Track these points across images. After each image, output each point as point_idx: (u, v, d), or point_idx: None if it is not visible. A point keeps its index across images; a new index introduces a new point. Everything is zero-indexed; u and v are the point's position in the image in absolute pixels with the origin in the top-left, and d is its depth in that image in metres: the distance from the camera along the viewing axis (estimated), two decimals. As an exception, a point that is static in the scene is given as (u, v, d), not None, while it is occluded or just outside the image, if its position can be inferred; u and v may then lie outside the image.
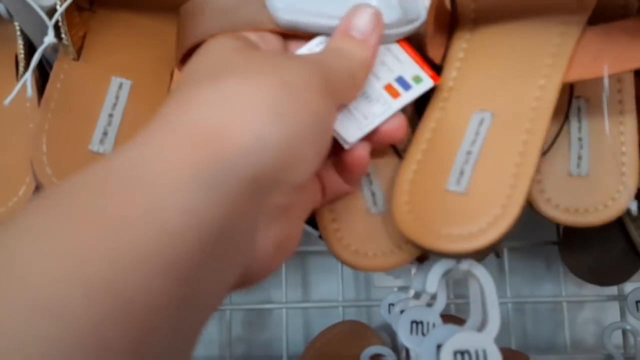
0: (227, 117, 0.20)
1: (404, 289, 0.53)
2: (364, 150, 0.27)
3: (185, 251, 0.17)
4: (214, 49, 0.24)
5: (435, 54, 0.30)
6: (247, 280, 0.22)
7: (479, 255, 0.28)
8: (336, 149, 0.27)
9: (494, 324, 0.30)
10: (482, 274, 0.31)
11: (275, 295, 0.58)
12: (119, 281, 0.15)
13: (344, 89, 0.25)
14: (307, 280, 0.60)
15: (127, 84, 0.31)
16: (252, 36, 0.26)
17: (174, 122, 0.20)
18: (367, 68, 0.26)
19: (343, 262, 0.30)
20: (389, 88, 0.27)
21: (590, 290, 0.54)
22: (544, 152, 0.30)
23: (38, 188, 0.29)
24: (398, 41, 0.28)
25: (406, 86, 0.28)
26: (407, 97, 0.27)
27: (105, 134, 0.29)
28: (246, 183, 0.19)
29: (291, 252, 0.25)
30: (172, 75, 0.32)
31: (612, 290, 0.54)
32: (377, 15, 0.26)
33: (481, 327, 0.33)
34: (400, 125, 0.27)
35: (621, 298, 0.54)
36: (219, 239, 0.18)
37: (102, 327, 0.14)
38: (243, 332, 0.61)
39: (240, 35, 0.25)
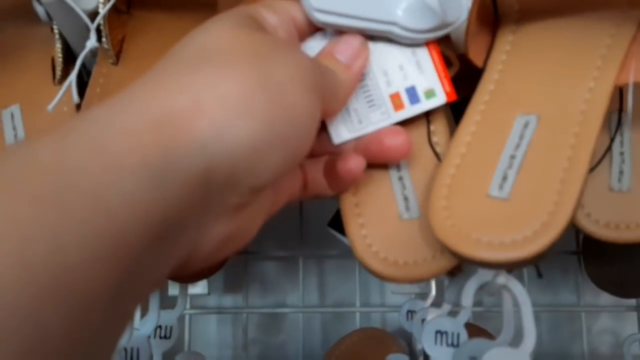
0: (192, 106, 0.19)
1: (421, 295, 0.52)
2: (359, 165, 0.26)
3: (128, 239, 0.16)
4: (212, 28, 0.22)
5: (476, 56, 0.29)
6: (185, 268, 0.21)
7: (517, 267, 0.27)
8: (332, 150, 0.26)
9: (530, 341, 0.29)
10: (518, 291, 0.30)
11: (291, 299, 0.57)
12: (59, 262, 0.14)
13: (328, 99, 0.24)
14: (324, 284, 0.60)
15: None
16: (271, 18, 0.24)
17: (136, 102, 0.19)
18: (348, 90, 0.25)
19: (371, 272, 0.29)
20: (394, 97, 0.26)
21: (608, 299, 0.53)
22: (592, 168, 0.28)
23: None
24: (428, 43, 0.27)
25: (414, 98, 0.27)
26: (410, 111, 0.26)
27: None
28: (197, 178, 0.18)
29: (240, 247, 0.24)
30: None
31: (630, 300, 0.53)
32: (363, 46, 0.25)
33: (513, 341, 0.32)
34: (406, 143, 0.27)
35: (639, 309, 0.53)
36: (163, 230, 0.18)
37: (39, 308, 0.14)
38: (258, 335, 0.60)
39: (256, 13, 0.24)
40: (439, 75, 0.27)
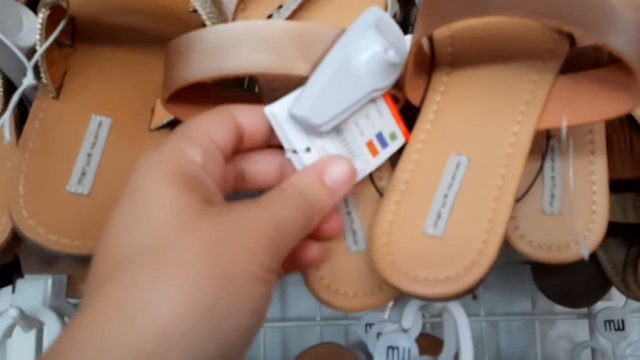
0: (161, 342, 0.18)
1: (381, 308, 0.53)
2: (317, 251, 0.28)
3: None
4: (150, 208, 0.21)
5: (413, 96, 0.30)
6: None
7: (453, 299, 0.29)
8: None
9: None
10: (457, 312, 0.32)
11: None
12: None
13: (295, 233, 0.24)
14: (285, 296, 0.61)
15: (106, 122, 0.30)
16: (195, 154, 0.23)
17: (107, 347, 0.18)
18: (323, 216, 0.26)
19: (322, 303, 0.31)
20: (370, 145, 0.28)
21: (562, 307, 0.55)
22: (521, 197, 0.30)
23: (14, 230, 0.29)
24: None
25: (384, 143, 0.28)
26: (384, 155, 0.28)
27: (83, 174, 0.29)
28: None
29: None
30: (152, 112, 0.32)
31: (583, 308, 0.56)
32: (353, 172, 0.26)
33: (455, 358, 0.34)
34: (339, 225, 0.28)
35: (591, 316, 0.55)
36: None
37: None
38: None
39: (183, 159, 0.22)
40: (395, 119, 0.29)
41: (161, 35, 0.30)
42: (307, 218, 0.24)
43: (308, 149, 0.27)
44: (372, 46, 0.25)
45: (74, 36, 0.32)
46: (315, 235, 0.27)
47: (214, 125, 0.24)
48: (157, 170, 0.21)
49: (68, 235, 0.28)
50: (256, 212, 0.22)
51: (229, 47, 0.26)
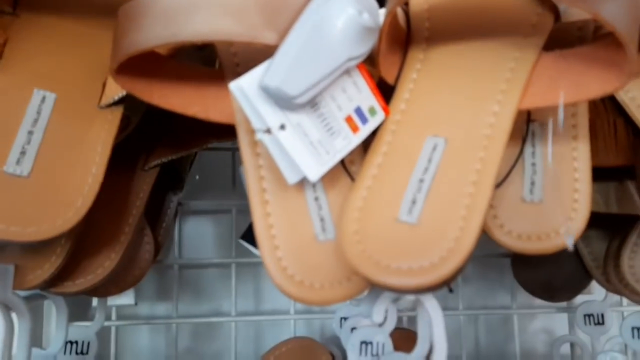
0: None
1: (357, 300, 0.51)
2: None
3: None
4: None
5: (388, 73, 0.28)
6: None
7: (427, 291, 0.27)
8: None
9: (439, 356, 0.29)
10: (431, 305, 0.30)
11: (225, 305, 0.56)
12: None
13: None
14: (259, 289, 0.59)
15: (50, 97, 0.28)
16: None
17: None
18: None
19: (286, 295, 0.28)
20: (349, 120, 0.26)
21: (541, 301, 0.54)
22: (500, 183, 0.29)
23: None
24: None
25: (363, 119, 0.26)
26: (365, 131, 0.26)
27: (23, 153, 0.26)
28: None
29: None
30: (104, 87, 0.29)
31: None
32: None
33: (429, 354, 0.32)
34: None
35: (570, 310, 0.54)
36: None
37: None
38: (192, 344, 0.58)
39: None
40: (373, 92, 0.27)
41: (113, 4, 0.27)
42: None
43: (282, 126, 0.25)
44: (346, 9, 0.23)
45: (15, 2, 0.29)
46: None
47: None
48: None
49: (4, 220, 0.25)
50: None
51: (186, 11, 0.24)
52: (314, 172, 0.25)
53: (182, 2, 0.24)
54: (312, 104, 0.25)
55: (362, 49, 0.25)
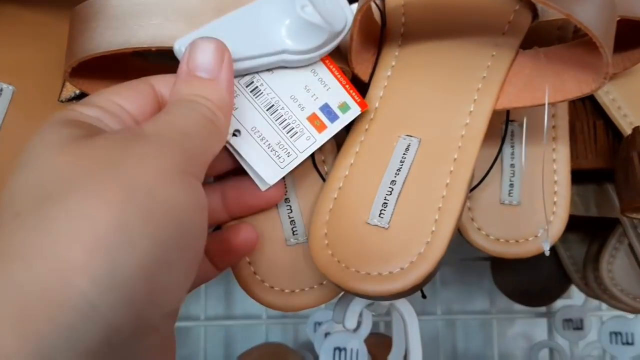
0: (51, 276, 0.15)
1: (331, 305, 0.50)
2: (253, 234, 0.26)
3: None
4: (39, 158, 0.18)
5: (361, 70, 0.27)
6: None
7: (398, 297, 0.26)
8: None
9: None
10: (405, 310, 0.29)
11: (195, 309, 0.55)
12: None
13: (207, 143, 0.21)
14: (231, 291, 0.57)
15: (8, 89, 0.27)
16: (91, 111, 0.20)
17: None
18: (226, 109, 0.22)
19: (256, 300, 0.27)
20: (313, 119, 0.25)
21: (520, 306, 0.53)
22: (476, 185, 0.28)
23: None
24: (323, 59, 0.26)
25: (332, 116, 0.25)
26: (333, 128, 0.25)
27: (-25, 150, 0.25)
28: (99, 344, 0.16)
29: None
30: (64, 81, 0.28)
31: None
32: (221, 48, 0.22)
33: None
34: (254, 237, 0.26)
35: (549, 315, 0.54)
36: None
37: None
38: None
39: (73, 114, 0.20)
40: (345, 88, 0.26)
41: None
42: (209, 121, 0.21)
43: (236, 133, 0.24)
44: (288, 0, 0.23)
45: (-29, -10, 0.27)
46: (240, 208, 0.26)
47: (124, 95, 0.21)
48: (45, 130, 0.19)
49: None
50: (146, 125, 0.20)
51: (139, 15, 0.23)
52: (271, 176, 0.24)
53: (135, 6, 0.23)
54: (267, 105, 0.25)
55: (303, 45, 0.24)
